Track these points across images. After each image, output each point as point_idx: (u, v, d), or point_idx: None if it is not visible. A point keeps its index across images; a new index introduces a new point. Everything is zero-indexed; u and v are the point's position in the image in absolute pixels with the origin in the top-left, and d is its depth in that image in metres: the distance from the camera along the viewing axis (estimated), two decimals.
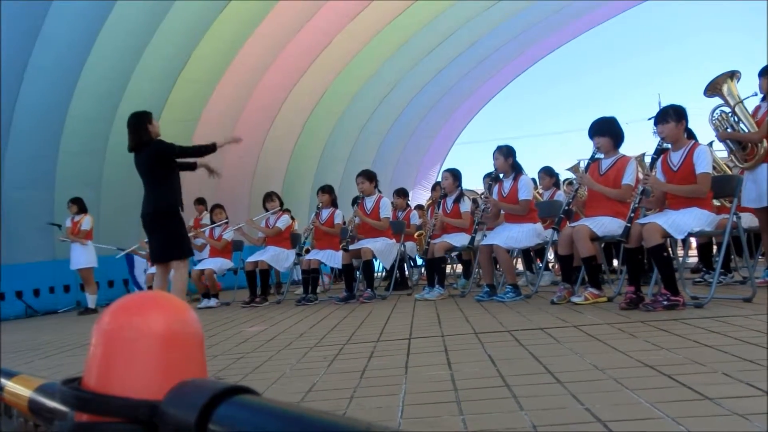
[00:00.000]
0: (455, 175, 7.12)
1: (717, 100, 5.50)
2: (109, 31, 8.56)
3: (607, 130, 5.18)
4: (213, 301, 8.18)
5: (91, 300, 8.73)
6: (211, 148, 5.42)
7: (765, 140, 5.19)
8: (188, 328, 0.51)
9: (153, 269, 6.38)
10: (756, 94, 5.41)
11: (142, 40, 9.10)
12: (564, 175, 8.98)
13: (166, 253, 5.34)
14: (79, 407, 0.48)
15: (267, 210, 8.34)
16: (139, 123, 5.33)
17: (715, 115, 5.48)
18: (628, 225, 4.50)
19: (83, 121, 9.14)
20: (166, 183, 5.31)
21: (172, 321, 0.50)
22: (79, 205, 8.78)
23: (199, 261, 8.81)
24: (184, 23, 9.26)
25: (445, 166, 16.65)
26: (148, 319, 0.50)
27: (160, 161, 5.27)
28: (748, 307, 4.06)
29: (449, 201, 7.09)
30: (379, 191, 7.72)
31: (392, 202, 8.38)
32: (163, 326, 0.50)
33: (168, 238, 5.30)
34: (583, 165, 6.60)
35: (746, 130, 5.33)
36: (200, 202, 9.53)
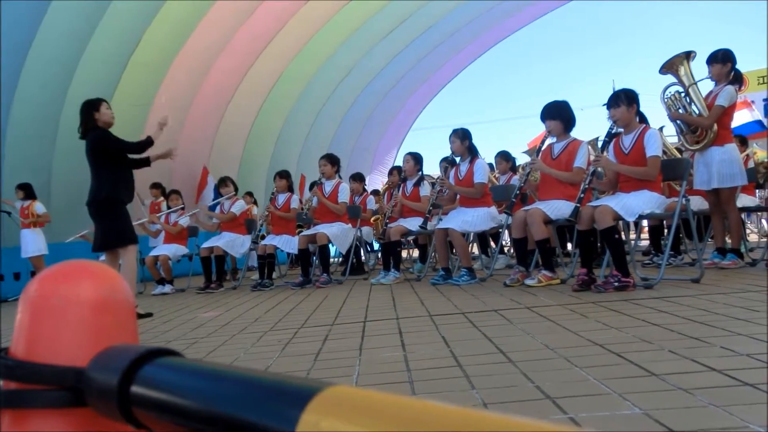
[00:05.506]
0: (416, 158, 7.17)
1: (670, 78, 5.57)
2: (56, 12, 8.30)
3: (557, 114, 5.25)
4: (168, 288, 8.07)
5: None
6: (148, 143, 5.41)
7: (715, 124, 5.30)
8: (117, 296, 0.50)
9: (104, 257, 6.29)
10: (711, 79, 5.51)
11: (90, 22, 8.83)
12: (521, 158, 9.07)
13: (105, 241, 5.35)
14: (6, 375, 0.47)
15: (221, 195, 8.27)
16: (86, 110, 5.33)
17: (667, 93, 5.54)
18: (578, 206, 4.57)
19: (31, 105, 8.85)
20: (106, 173, 5.30)
21: (101, 288, 0.49)
22: (26, 191, 8.59)
23: (153, 247, 8.69)
24: (135, 4, 9.04)
25: (401, 152, 16.75)
26: (76, 286, 0.49)
27: (97, 151, 5.27)
28: (696, 287, 4.17)
29: (409, 184, 7.13)
30: (340, 177, 7.73)
31: (350, 188, 8.38)
32: (92, 294, 0.49)
33: (107, 227, 5.31)
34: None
35: (698, 112, 5.41)
36: (156, 186, 9.40)
